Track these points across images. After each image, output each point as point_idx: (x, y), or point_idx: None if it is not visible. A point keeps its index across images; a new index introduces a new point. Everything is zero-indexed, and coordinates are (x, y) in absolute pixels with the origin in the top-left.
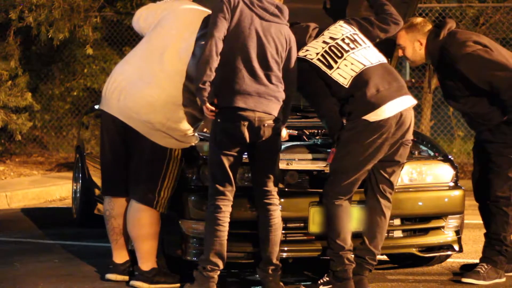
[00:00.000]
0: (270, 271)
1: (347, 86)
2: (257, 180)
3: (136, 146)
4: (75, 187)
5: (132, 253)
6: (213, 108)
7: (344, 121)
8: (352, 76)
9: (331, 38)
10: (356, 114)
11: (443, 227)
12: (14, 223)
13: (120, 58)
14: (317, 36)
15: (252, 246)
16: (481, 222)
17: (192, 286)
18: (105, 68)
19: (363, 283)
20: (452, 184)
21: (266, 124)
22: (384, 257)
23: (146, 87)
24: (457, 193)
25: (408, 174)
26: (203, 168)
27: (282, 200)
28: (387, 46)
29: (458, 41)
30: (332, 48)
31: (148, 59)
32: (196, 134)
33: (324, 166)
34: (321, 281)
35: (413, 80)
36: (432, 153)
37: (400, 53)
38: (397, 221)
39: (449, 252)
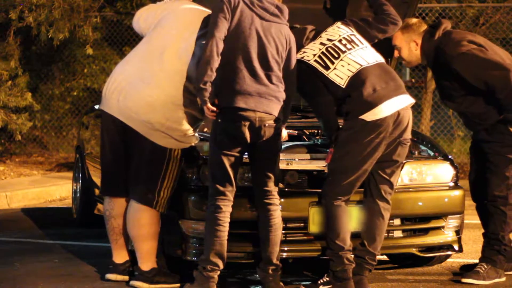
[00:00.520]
0: (270, 271)
1: (344, 86)
2: (257, 180)
3: (136, 146)
4: (75, 187)
5: (132, 253)
6: (214, 109)
7: (342, 121)
8: (348, 76)
9: (328, 39)
10: (354, 113)
11: (443, 227)
12: (14, 223)
13: (120, 58)
14: (314, 38)
15: (252, 246)
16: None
17: (192, 286)
18: (105, 68)
19: (363, 283)
20: (452, 184)
21: (266, 124)
22: (384, 257)
23: (146, 87)
24: (457, 193)
25: (408, 174)
26: (203, 168)
27: (282, 200)
28: (387, 46)
29: (453, 41)
30: (329, 49)
31: (148, 59)
32: (196, 134)
33: (324, 166)
34: (321, 281)
35: (413, 80)
36: (432, 153)
37: (396, 54)
38: (397, 221)
39: (449, 252)
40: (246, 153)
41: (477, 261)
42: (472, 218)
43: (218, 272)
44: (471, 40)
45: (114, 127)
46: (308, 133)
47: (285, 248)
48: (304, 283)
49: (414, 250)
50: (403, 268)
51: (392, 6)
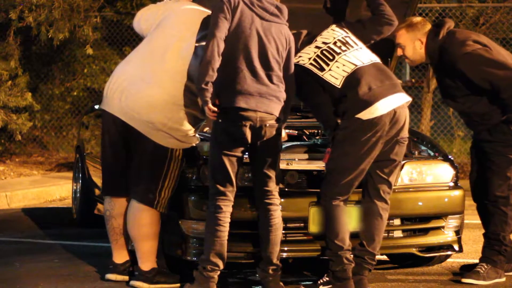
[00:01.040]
0: (270, 271)
1: (339, 86)
2: (258, 180)
3: (137, 146)
4: (75, 187)
5: (132, 253)
6: (215, 109)
7: (339, 121)
8: (343, 76)
9: (323, 42)
10: (350, 113)
11: (443, 227)
12: (14, 223)
13: (120, 58)
14: (310, 42)
15: (252, 246)
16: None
17: (192, 286)
18: (105, 68)
19: (363, 283)
20: (452, 184)
21: (267, 124)
22: (384, 257)
23: (148, 87)
24: (457, 193)
25: (408, 174)
26: (203, 168)
27: (282, 200)
28: (387, 46)
29: (457, 40)
30: (324, 51)
31: (150, 60)
32: (197, 134)
33: (324, 166)
34: (321, 281)
35: (413, 80)
36: (432, 153)
37: (399, 52)
38: (397, 221)
39: (449, 252)
40: (246, 153)
41: (477, 261)
42: (472, 218)
43: (218, 272)
44: (476, 40)
45: (115, 127)
46: (308, 133)
47: (285, 248)
48: (304, 283)
49: (414, 250)
50: (403, 268)
51: (391, 6)
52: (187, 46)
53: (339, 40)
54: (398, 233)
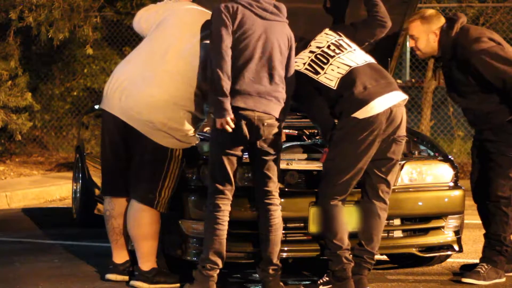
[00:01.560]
0: (270, 271)
1: (334, 88)
2: (258, 180)
3: (137, 146)
4: (75, 187)
5: (132, 253)
6: (232, 125)
7: (336, 122)
8: (338, 78)
9: (317, 47)
10: (346, 112)
11: (443, 227)
12: (14, 223)
13: (120, 58)
14: (304, 47)
15: (252, 246)
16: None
17: (192, 286)
18: (105, 68)
19: (362, 282)
20: (452, 184)
21: (265, 124)
22: (384, 257)
23: (148, 87)
24: (457, 193)
25: (408, 174)
26: (203, 168)
27: (282, 200)
28: (387, 47)
29: (472, 36)
30: (318, 56)
31: (150, 60)
32: (197, 134)
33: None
34: (321, 281)
35: (413, 80)
36: (432, 153)
37: (411, 44)
38: (397, 221)
39: (449, 252)
40: (246, 153)
41: (477, 261)
42: (472, 218)
43: (218, 271)
44: (490, 37)
45: (115, 127)
46: (308, 133)
47: (285, 248)
48: (304, 283)
49: (414, 250)
50: (403, 268)
51: (391, 5)
52: (188, 46)
53: (332, 43)
54: (398, 233)
